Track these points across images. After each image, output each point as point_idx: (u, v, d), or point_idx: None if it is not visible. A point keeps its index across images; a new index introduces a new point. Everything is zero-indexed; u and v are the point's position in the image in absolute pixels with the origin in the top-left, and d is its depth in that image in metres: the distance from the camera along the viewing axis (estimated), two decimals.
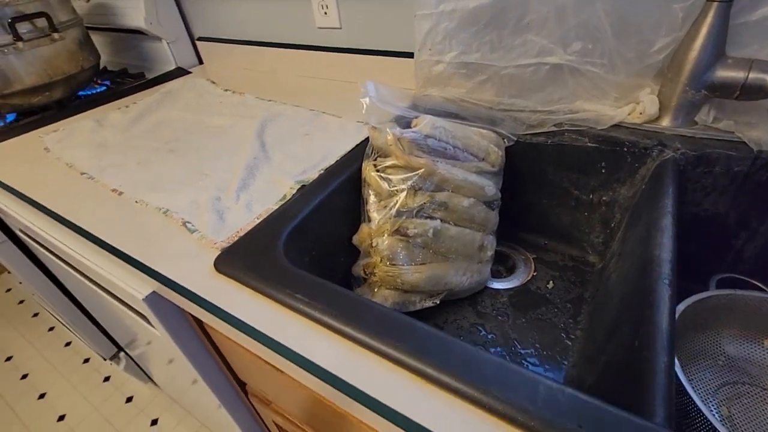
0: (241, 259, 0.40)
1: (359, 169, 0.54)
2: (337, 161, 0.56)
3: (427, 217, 0.51)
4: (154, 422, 1.21)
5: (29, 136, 0.76)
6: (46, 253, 0.69)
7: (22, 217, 0.60)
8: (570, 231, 0.65)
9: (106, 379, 1.35)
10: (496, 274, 0.65)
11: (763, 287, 0.47)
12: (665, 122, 0.53)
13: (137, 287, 0.46)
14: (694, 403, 0.34)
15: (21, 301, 1.68)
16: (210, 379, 0.56)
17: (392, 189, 0.50)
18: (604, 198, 0.59)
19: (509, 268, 0.66)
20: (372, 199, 0.52)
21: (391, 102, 0.53)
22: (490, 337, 0.55)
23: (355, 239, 0.54)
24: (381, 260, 0.50)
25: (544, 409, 0.25)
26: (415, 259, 0.51)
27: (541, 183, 0.63)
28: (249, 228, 0.45)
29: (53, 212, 0.52)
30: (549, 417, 0.25)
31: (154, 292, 0.45)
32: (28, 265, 0.89)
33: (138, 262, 0.43)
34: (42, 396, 1.31)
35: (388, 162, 0.51)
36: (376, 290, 0.52)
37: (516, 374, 0.27)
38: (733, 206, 0.51)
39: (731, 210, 0.51)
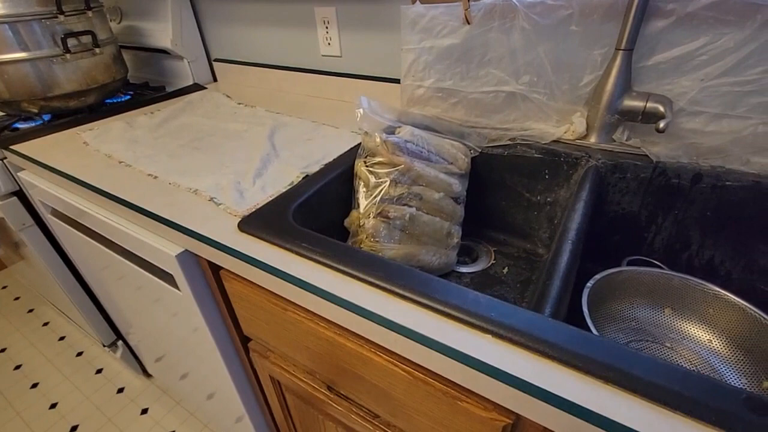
0: (260, 222, 0.52)
1: (352, 167, 0.67)
2: (334, 159, 0.69)
3: (404, 205, 0.64)
4: (144, 411, 1.27)
5: (68, 132, 0.88)
6: (77, 232, 0.79)
7: (65, 196, 0.71)
8: (523, 228, 0.78)
9: (99, 371, 1.40)
10: (462, 263, 0.77)
11: (662, 266, 0.61)
12: (592, 139, 0.68)
13: (169, 248, 0.57)
14: None
15: (17, 298, 1.74)
16: (217, 336, 0.67)
17: (378, 181, 0.64)
18: (548, 199, 0.73)
19: (474, 258, 0.79)
20: (361, 189, 0.65)
21: (380, 114, 0.67)
22: None
23: (346, 222, 0.66)
24: (366, 237, 0.63)
25: (469, 306, 0.37)
26: (394, 237, 0.64)
27: (501, 187, 0.77)
28: (264, 202, 0.57)
29: (102, 190, 0.64)
30: (471, 310, 0.37)
31: (186, 250, 0.56)
32: (49, 249, 0.98)
33: (178, 224, 0.54)
34: (35, 386, 1.36)
35: (376, 160, 0.65)
36: None
37: (454, 289, 0.39)
38: (643, 205, 0.65)
39: (642, 208, 0.65)
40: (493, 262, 0.77)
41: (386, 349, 0.42)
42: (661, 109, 0.59)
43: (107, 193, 0.63)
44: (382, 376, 0.46)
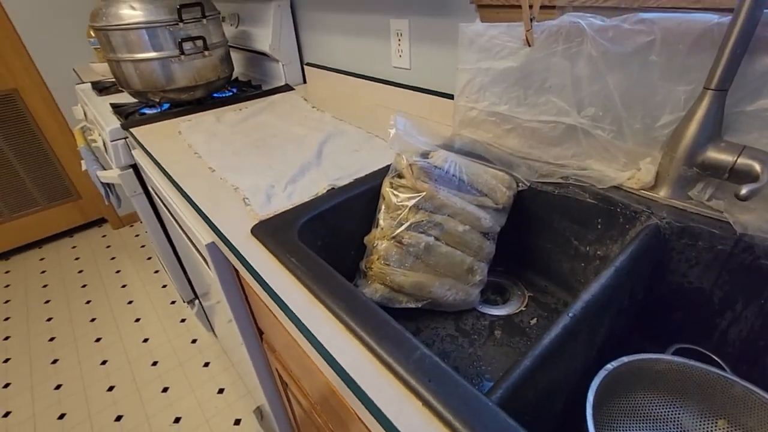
0: (268, 230, 0.55)
1: (381, 184, 0.67)
2: (367, 174, 0.70)
3: (422, 232, 0.62)
4: (206, 364, 1.45)
5: (172, 121, 1.04)
6: (162, 205, 0.94)
7: (151, 174, 0.85)
8: (568, 278, 0.69)
9: (183, 320, 1.65)
10: (491, 302, 0.71)
11: (721, 363, 0.48)
12: (662, 192, 0.56)
13: (204, 236, 0.64)
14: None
15: (143, 246, 2.13)
16: (239, 321, 0.73)
17: (399, 203, 0.62)
18: (598, 252, 0.63)
19: (505, 299, 0.72)
20: (383, 208, 0.64)
21: (415, 136, 0.65)
22: (458, 349, 0.62)
23: (366, 239, 0.66)
24: (378, 258, 0.62)
25: (412, 365, 0.34)
26: (405, 264, 0.62)
27: (547, 229, 0.69)
28: (282, 210, 0.60)
29: (168, 173, 0.75)
30: (412, 369, 0.34)
31: (213, 242, 0.63)
32: (150, 215, 1.19)
33: (206, 216, 0.61)
34: (137, 320, 1.66)
35: (402, 182, 0.63)
36: (369, 283, 0.64)
37: (406, 340, 0.37)
38: (717, 284, 0.52)
39: (715, 287, 0.52)
40: (523, 308, 0.69)
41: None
42: (757, 168, 0.46)
43: (172, 178, 0.74)
44: (344, 411, 0.45)
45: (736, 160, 0.47)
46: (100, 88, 1.35)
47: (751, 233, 0.47)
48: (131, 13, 0.99)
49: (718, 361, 0.50)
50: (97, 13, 1.00)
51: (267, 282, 0.47)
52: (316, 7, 1.15)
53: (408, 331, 0.38)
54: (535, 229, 0.71)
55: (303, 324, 0.41)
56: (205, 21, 1.08)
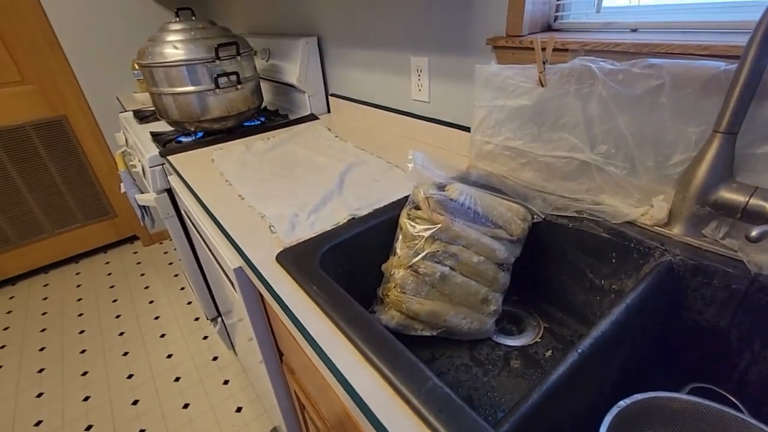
0: (292, 257, 0.59)
1: (399, 214, 0.70)
2: (385, 205, 0.73)
3: (437, 262, 0.64)
4: (226, 382, 1.48)
5: (205, 149, 1.12)
6: (193, 228, 1.00)
7: (185, 199, 0.91)
8: (583, 311, 0.69)
9: (205, 337, 1.70)
10: (507, 332, 0.72)
11: (739, 404, 0.47)
12: (675, 229, 0.56)
13: (232, 261, 0.69)
14: None
15: (170, 263, 2.22)
16: (261, 342, 0.76)
17: (415, 234, 0.65)
18: (613, 286, 0.63)
19: (521, 329, 0.73)
20: (400, 238, 0.67)
21: (432, 170, 0.69)
22: (472, 378, 0.63)
23: (384, 267, 0.69)
24: (395, 286, 0.65)
25: (424, 394, 0.37)
26: (420, 292, 0.64)
27: (563, 261, 0.70)
28: (305, 239, 0.64)
29: (201, 200, 0.81)
30: (424, 399, 0.36)
31: (240, 267, 0.67)
32: (182, 236, 1.25)
33: (235, 242, 0.66)
34: (163, 335, 1.72)
35: (419, 213, 0.66)
36: (386, 309, 0.66)
37: (419, 370, 0.39)
38: (734, 323, 0.51)
39: (732, 326, 0.52)
40: (538, 340, 0.70)
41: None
42: None
43: (206, 206, 0.79)
44: None
45: (748, 201, 0.48)
46: (141, 117, 1.45)
47: (766, 273, 0.48)
48: (174, 52, 1.09)
49: (736, 402, 0.49)
50: (144, 52, 1.10)
51: (290, 308, 0.50)
52: (341, 44, 1.23)
53: (423, 358, 0.40)
54: (551, 261, 0.72)
55: (322, 349, 0.44)
56: (239, 58, 1.16)
